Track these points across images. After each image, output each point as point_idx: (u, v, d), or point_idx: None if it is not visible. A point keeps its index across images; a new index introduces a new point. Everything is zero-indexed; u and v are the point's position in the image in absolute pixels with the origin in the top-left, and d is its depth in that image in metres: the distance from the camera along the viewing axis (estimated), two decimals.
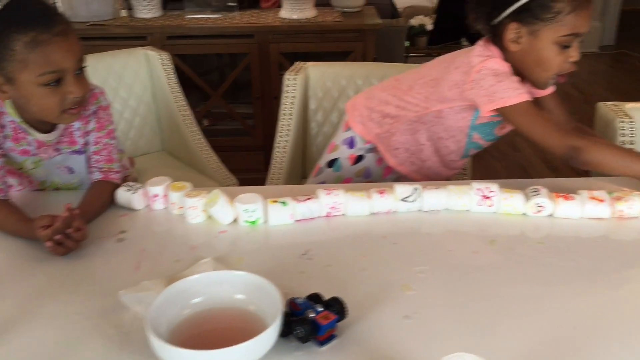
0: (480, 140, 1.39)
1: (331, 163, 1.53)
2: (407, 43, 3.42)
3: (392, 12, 3.15)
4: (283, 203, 1.12)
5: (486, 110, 1.25)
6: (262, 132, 2.87)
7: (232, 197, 1.13)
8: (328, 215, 1.15)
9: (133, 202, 1.16)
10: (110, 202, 1.18)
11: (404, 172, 1.47)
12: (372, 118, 1.46)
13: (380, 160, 1.50)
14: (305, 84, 1.79)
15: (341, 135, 1.53)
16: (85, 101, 1.15)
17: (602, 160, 1.17)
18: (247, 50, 2.76)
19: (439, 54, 1.45)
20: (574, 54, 1.21)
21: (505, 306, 0.91)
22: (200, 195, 1.13)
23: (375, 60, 2.87)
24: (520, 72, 1.27)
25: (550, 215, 1.14)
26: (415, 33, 3.61)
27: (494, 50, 1.28)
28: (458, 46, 3.48)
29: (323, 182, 1.54)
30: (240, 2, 2.96)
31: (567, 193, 1.14)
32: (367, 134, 1.47)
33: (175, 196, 1.14)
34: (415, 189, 1.16)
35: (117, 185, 1.19)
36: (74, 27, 1.08)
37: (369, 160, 1.51)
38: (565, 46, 1.19)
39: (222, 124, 3.00)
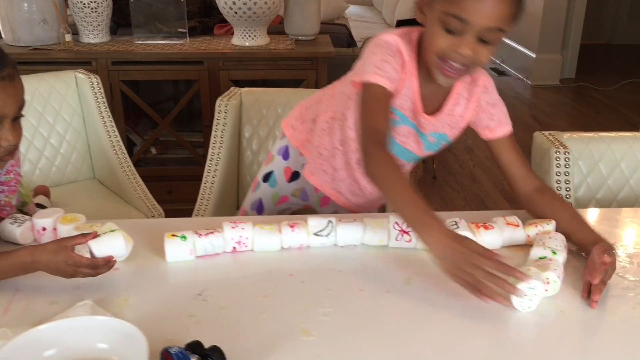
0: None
1: (266, 177, 1.43)
2: None
3: (348, 41, 3.12)
4: (182, 237, 1.02)
5: (352, 82, 1.11)
6: None
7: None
8: (234, 251, 1.05)
9: (17, 237, 1.05)
10: None
11: (315, 183, 1.35)
12: (303, 120, 1.36)
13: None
14: (239, 110, 1.71)
15: (277, 144, 1.43)
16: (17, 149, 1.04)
17: (377, 178, 1.00)
18: (196, 77, 2.69)
19: None
20: (460, 44, 1.00)
21: (413, 355, 0.82)
22: (92, 229, 1.02)
23: None
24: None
25: None
26: None
27: (412, 32, 1.13)
28: None
29: (259, 199, 1.44)
30: (192, 29, 2.90)
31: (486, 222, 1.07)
32: (295, 139, 1.37)
33: (64, 230, 1.04)
34: (330, 222, 1.07)
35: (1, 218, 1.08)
36: (19, 72, 0.99)
37: (305, 181, 1.41)
38: (450, 30, 1.00)
39: (171, 153, 2.91)
